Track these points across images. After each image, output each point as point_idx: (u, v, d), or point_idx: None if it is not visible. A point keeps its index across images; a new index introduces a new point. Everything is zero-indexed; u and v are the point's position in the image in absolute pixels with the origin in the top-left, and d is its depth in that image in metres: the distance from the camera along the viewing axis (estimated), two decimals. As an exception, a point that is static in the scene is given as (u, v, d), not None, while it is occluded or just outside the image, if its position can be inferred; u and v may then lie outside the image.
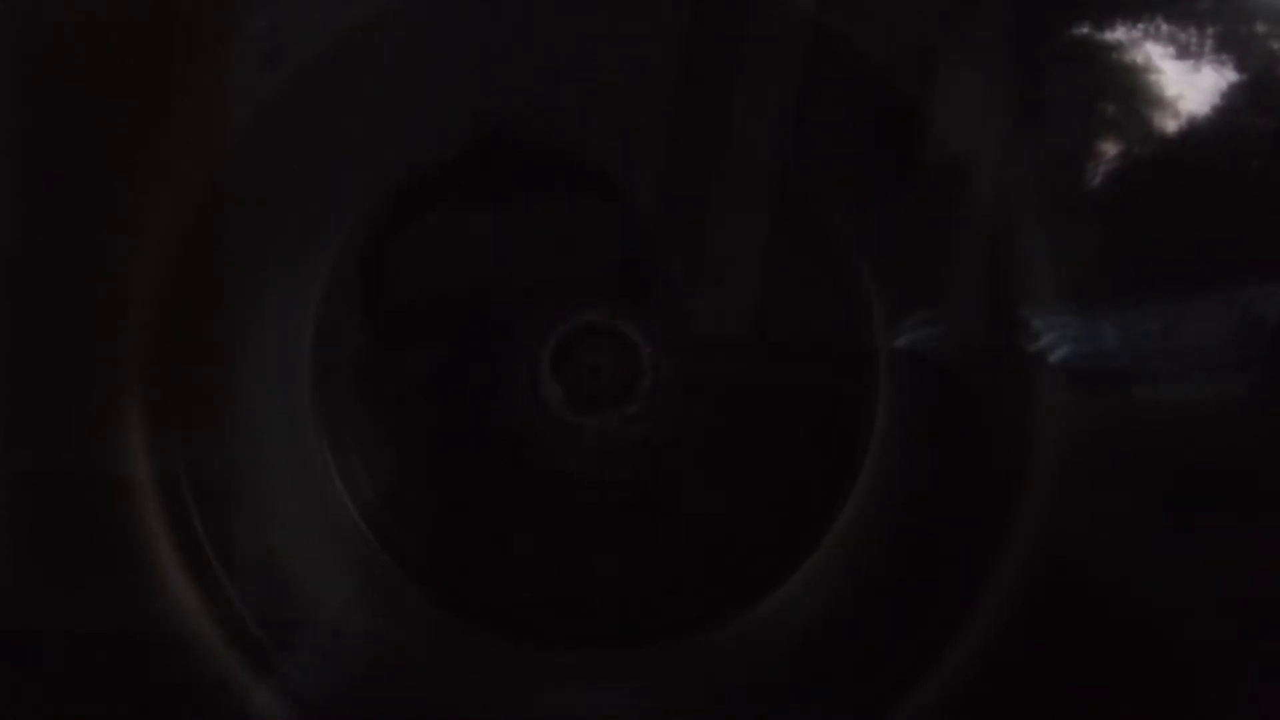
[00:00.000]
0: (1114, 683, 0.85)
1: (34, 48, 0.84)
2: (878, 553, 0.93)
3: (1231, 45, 0.85)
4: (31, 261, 0.85)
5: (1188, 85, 0.86)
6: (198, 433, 0.89)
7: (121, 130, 0.85)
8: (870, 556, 0.93)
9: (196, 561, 0.87)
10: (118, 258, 0.85)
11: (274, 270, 0.91)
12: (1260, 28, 0.85)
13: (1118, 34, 0.87)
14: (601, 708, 0.93)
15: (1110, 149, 0.87)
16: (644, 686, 0.94)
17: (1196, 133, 0.87)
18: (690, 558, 0.96)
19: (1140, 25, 0.86)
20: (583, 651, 0.95)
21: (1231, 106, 0.86)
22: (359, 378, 0.96)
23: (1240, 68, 0.85)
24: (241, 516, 0.91)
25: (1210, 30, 0.85)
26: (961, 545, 0.89)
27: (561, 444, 0.95)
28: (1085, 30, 0.87)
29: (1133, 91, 0.87)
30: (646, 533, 0.96)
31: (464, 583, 0.95)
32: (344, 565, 0.95)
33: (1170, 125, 0.87)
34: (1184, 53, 0.86)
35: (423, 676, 0.93)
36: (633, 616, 0.96)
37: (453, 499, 0.97)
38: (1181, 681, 0.86)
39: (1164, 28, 0.86)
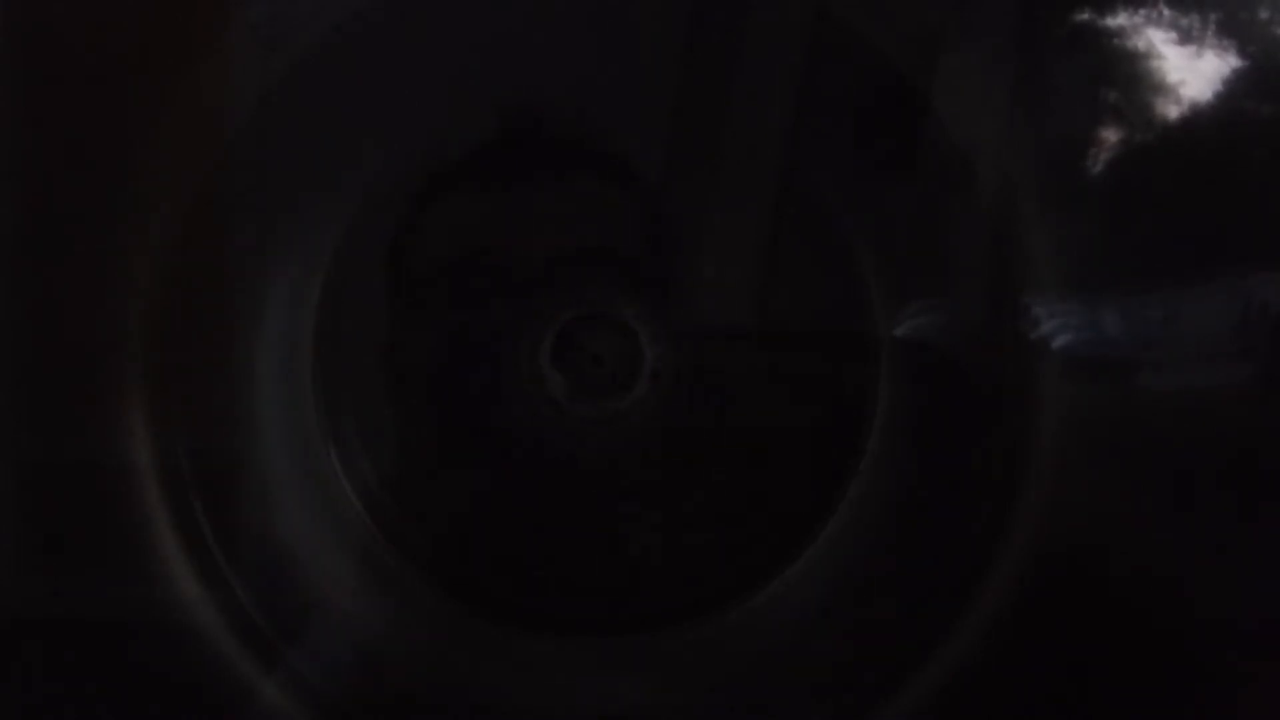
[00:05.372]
0: (1113, 673, 0.84)
1: (36, 37, 0.84)
2: (878, 542, 0.93)
3: (1233, 31, 0.85)
4: (33, 249, 0.85)
5: (1190, 72, 0.86)
6: (199, 420, 0.89)
7: (123, 118, 0.85)
8: (870, 546, 0.93)
9: (198, 550, 0.88)
10: (119, 246, 0.85)
11: (276, 257, 0.91)
12: (1262, 14, 0.85)
13: (1120, 20, 0.86)
14: (603, 695, 0.93)
15: (1112, 136, 0.87)
16: (644, 675, 0.94)
17: (1199, 119, 0.86)
18: (691, 546, 0.96)
19: (1142, 11, 0.86)
20: (584, 639, 0.95)
21: (1234, 93, 0.86)
22: (360, 366, 0.96)
23: (1242, 54, 0.85)
24: (243, 505, 0.91)
25: (1212, 16, 0.85)
26: (963, 534, 0.88)
27: (563, 433, 0.95)
28: (1087, 16, 0.87)
29: (1135, 78, 0.86)
30: (647, 521, 0.96)
31: (464, 570, 0.96)
32: (346, 553, 0.95)
33: (1172, 112, 0.86)
34: (1186, 39, 0.86)
35: (424, 663, 0.93)
36: (633, 605, 0.96)
37: (454, 487, 0.97)
38: (1184, 674, 0.85)
39: (1166, 14, 0.86)
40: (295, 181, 0.90)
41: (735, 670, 0.93)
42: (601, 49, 0.91)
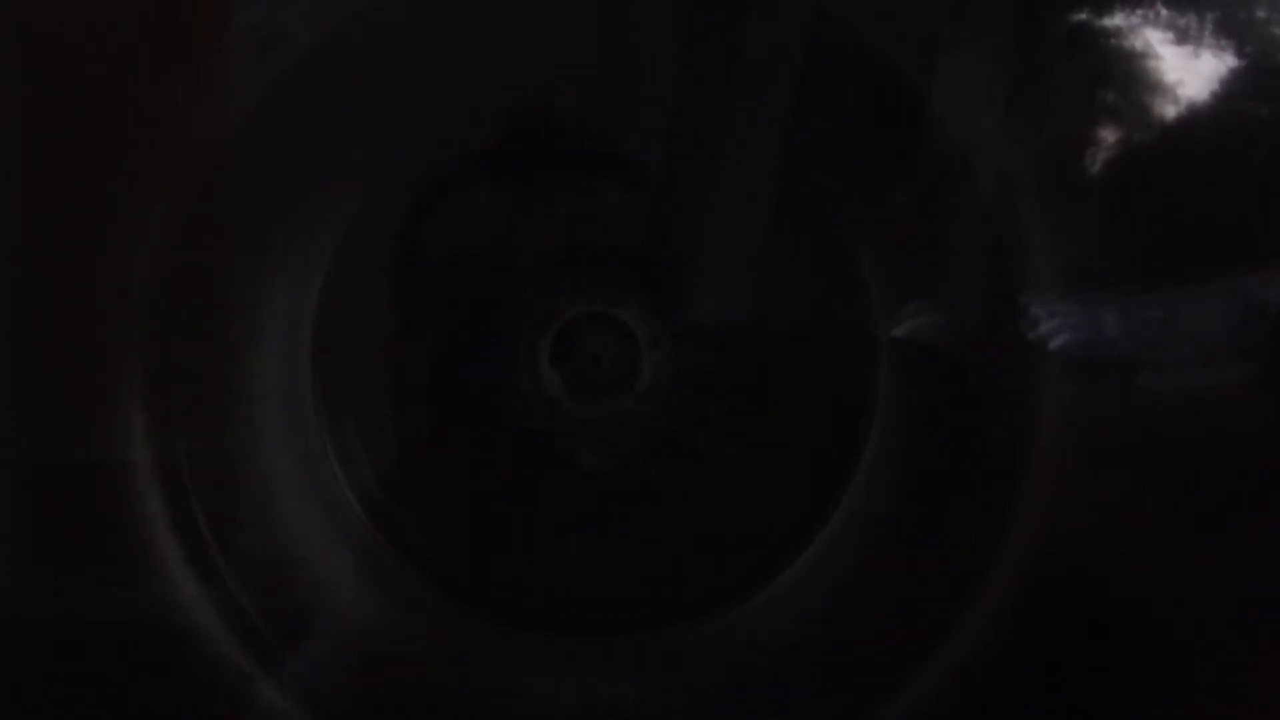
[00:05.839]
0: (1113, 673, 0.84)
1: (33, 39, 0.84)
2: (878, 542, 0.93)
3: (1231, 31, 0.85)
4: (32, 250, 0.85)
5: (1187, 72, 0.86)
6: (198, 421, 0.89)
7: (121, 120, 0.85)
8: (870, 546, 0.93)
9: (197, 551, 0.88)
10: (118, 246, 0.85)
11: (275, 258, 0.92)
12: (1260, 13, 0.85)
13: (1117, 20, 0.86)
14: (602, 695, 0.93)
15: (1110, 136, 0.87)
16: (644, 674, 0.94)
17: (1196, 119, 0.86)
18: (690, 547, 0.96)
19: (1139, 11, 0.86)
20: (583, 640, 0.95)
21: (1231, 93, 0.86)
22: (359, 367, 0.96)
23: (1240, 54, 0.85)
24: (242, 505, 0.91)
25: (1209, 16, 0.85)
26: (963, 534, 0.88)
27: (562, 433, 0.95)
28: (1085, 17, 0.87)
29: (1132, 78, 0.86)
30: (647, 521, 0.96)
31: (464, 570, 0.96)
32: (345, 554, 0.95)
33: (1170, 112, 0.86)
34: (1183, 39, 0.86)
35: (423, 663, 0.93)
36: (632, 605, 0.96)
37: (453, 487, 0.97)
38: (1183, 673, 0.85)
39: (1163, 13, 0.86)
40: (295, 182, 0.90)
41: (735, 670, 0.93)
42: (601, 49, 0.91)
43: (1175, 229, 0.87)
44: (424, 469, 0.98)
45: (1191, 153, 0.87)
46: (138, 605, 0.87)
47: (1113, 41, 0.86)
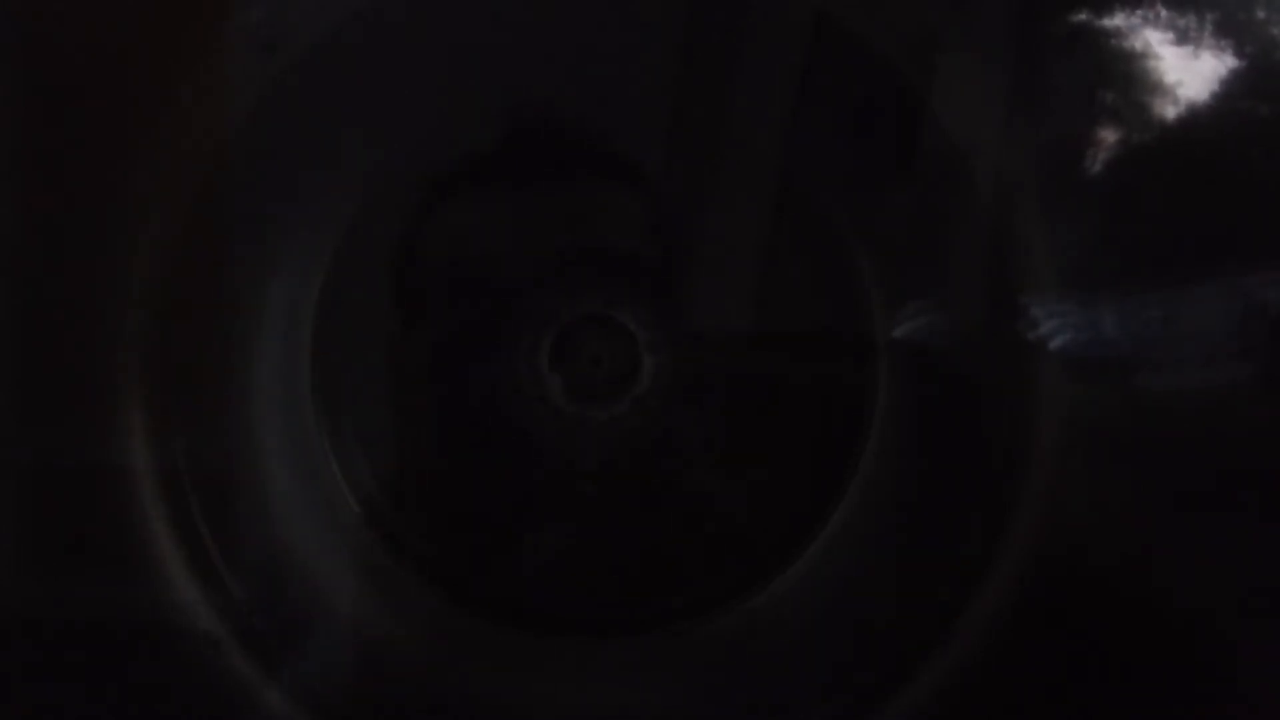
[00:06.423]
0: (1113, 673, 0.84)
1: (33, 40, 0.84)
2: (878, 543, 0.93)
3: (1230, 31, 0.85)
4: (31, 253, 0.85)
5: (1187, 72, 0.86)
6: (198, 421, 0.89)
7: (121, 121, 0.85)
8: (870, 546, 0.93)
9: (196, 551, 0.87)
10: (118, 249, 0.85)
11: (274, 260, 0.91)
12: (1259, 13, 0.85)
13: (1117, 20, 0.86)
14: (602, 697, 0.93)
15: (1110, 136, 0.87)
16: (645, 676, 0.94)
17: (1196, 119, 0.87)
18: (690, 547, 0.96)
19: (1139, 11, 0.86)
20: (584, 641, 0.95)
21: (1231, 93, 0.86)
22: (359, 367, 0.96)
23: (1239, 54, 0.85)
24: (242, 509, 0.91)
25: (1209, 16, 0.85)
26: (963, 534, 0.88)
27: (562, 435, 0.95)
28: (1085, 17, 0.87)
29: (1132, 78, 0.87)
30: (646, 524, 0.96)
31: (464, 573, 0.95)
32: (345, 557, 0.95)
33: (1170, 112, 0.86)
34: (1183, 39, 0.86)
35: (423, 667, 0.93)
36: (632, 606, 0.96)
37: (453, 490, 0.97)
38: (1183, 673, 0.85)
39: (1163, 14, 0.86)
40: (295, 182, 0.90)
41: (735, 670, 0.93)
42: (601, 49, 0.91)
43: (1175, 229, 0.87)
44: (424, 470, 0.98)
45: (1191, 153, 0.87)
46: (137, 606, 0.87)
47: (1113, 41, 0.86)
